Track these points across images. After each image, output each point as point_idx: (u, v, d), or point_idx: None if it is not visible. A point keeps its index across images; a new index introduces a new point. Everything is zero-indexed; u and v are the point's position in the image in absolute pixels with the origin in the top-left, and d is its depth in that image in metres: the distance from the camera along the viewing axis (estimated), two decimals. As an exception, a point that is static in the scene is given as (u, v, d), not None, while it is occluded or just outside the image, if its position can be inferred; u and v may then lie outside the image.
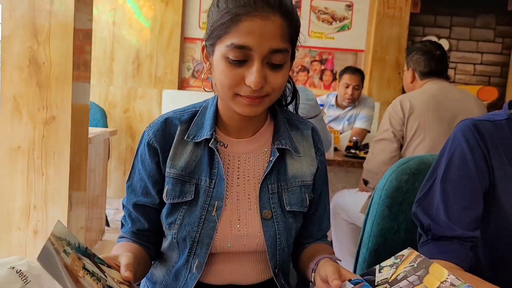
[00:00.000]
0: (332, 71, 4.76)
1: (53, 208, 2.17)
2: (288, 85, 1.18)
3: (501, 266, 1.02)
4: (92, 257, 0.79)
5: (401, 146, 2.50)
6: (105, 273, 0.78)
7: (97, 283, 0.72)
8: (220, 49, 0.95)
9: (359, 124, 3.90)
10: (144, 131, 1.10)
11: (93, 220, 3.32)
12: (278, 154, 1.07)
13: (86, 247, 0.78)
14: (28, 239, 2.18)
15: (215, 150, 1.04)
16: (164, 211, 1.07)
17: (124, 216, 1.14)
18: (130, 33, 4.56)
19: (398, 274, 0.86)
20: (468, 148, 1.01)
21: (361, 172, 2.75)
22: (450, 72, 4.80)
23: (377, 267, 0.93)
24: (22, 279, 0.73)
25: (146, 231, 1.12)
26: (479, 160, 0.99)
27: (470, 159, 1.00)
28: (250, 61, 0.93)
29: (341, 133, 3.61)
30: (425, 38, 4.67)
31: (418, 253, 0.89)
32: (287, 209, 1.08)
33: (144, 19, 4.55)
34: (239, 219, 1.06)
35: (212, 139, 1.04)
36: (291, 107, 1.22)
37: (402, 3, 4.55)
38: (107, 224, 3.84)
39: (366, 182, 2.68)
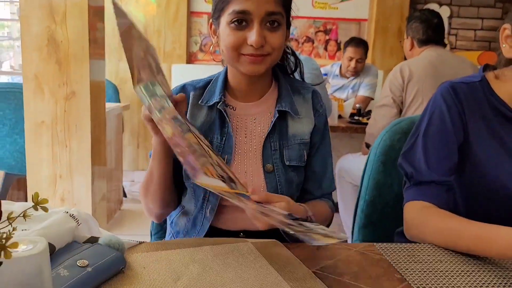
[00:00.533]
0: (336, 41, 4.84)
1: (78, 177, 2.35)
2: (292, 58, 1.32)
3: (477, 210, 1.17)
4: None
5: (400, 111, 2.66)
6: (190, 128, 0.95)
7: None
8: (224, 19, 1.11)
9: (362, 92, 4.01)
10: None
11: (111, 192, 3.50)
12: (278, 115, 1.21)
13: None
14: (56, 207, 2.34)
15: (223, 111, 1.19)
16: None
17: None
18: (137, 9, 4.63)
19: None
20: (446, 108, 1.15)
21: (364, 137, 2.91)
22: (451, 39, 4.87)
23: None
24: (75, 220, 0.89)
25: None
26: (455, 118, 1.14)
27: (447, 117, 1.15)
28: (251, 24, 1.09)
29: (345, 101, 3.74)
30: (426, 6, 4.73)
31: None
32: (287, 163, 1.22)
33: (151, -5, 4.62)
34: (245, 172, 1.20)
35: (221, 102, 1.19)
36: (297, 76, 1.35)
37: (404, -29, 4.62)
38: (125, 195, 4.03)
39: (368, 146, 2.83)
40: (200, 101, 1.22)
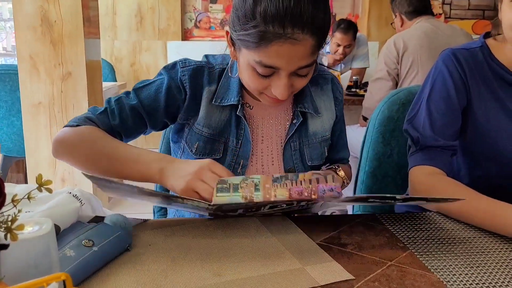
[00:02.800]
0: (331, 13, 4.79)
1: (77, 157, 2.34)
2: None
3: (478, 172, 1.20)
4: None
5: (396, 84, 2.66)
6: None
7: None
8: (248, 56, 0.96)
9: (356, 64, 3.99)
10: (176, 64, 1.11)
11: (110, 170, 3.49)
12: (301, 118, 1.14)
13: None
14: (57, 187, 2.36)
15: (242, 116, 1.10)
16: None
17: (112, 107, 1.09)
18: (131, -13, 4.59)
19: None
20: (448, 73, 1.17)
21: (361, 109, 2.91)
22: (445, 8, 4.82)
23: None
24: (78, 200, 0.89)
25: (120, 136, 1.11)
26: (458, 83, 1.15)
27: (450, 83, 1.16)
28: (277, 74, 0.96)
29: (341, 74, 3.73)
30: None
31: None
32: (309, 164, 1.17)
33: (143, -29, 4.56)
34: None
35: (239, 106, 1.09)
36: None
37: None
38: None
39: (365, 119, 2.84)
40: (213, 100, 1.10)
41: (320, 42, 0.95)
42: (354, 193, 1.54)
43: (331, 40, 3.91)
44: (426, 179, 1.12)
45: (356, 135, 2.88)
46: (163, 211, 1.45)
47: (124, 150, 1.01)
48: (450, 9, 4.82)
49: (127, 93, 1.11)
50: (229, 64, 1.13)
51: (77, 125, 1.05)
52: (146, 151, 1.00)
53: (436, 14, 4.77)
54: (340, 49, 3.85)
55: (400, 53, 2.60)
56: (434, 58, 2.50)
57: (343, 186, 1.20)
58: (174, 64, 1.12)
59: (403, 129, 1.25)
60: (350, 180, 1.29)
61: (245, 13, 0.92)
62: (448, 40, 2.54)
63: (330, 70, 1.41)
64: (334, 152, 1.28)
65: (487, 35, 1.23)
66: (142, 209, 1.87)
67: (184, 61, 1.12)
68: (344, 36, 3.80)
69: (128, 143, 1.09)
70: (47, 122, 2.31)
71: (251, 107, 1.14)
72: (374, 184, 1.49)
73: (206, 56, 1.17)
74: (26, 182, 3.02)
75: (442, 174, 1.13)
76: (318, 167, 1.22)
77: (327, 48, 4.03)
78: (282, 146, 1.15)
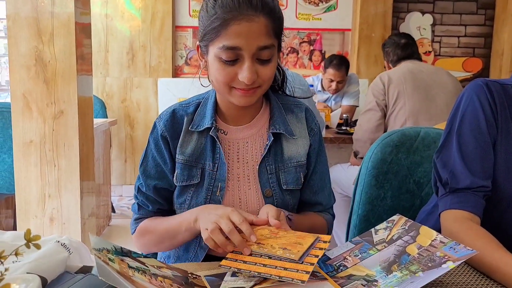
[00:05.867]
0: (320, 51, 4.86)
1: (66, 196, 2.32)
2: (277, 72, 1.26)
3: (495, 214, 1.15)
4: (129, 254, 0.87)
5: (385, 115, 2.74)
6: (145, 264, 0.86)
7: (144, 275, 0.82)
8: (213, 50, 1.07)
9: (347, 102, 4.03)
10: (155, 123, 1.22)
11: (100, 207, 3.47)
12: (273, 138, 1.18)
13: (121, 247, 0.86)
14: (45, 226, 2.32)
15: (215, 137, 1.16)
16: (175, 192, 1.21)
17: (140, 199, 1.24)
18: (123, 25, 4.63)
19: (393, 235, 0.99)
20: (480, 105, 1.12)
21: (352, 148, 2.93)
22: (435, 46, 4.91)
23: (372, 230, 1.05)
24: (66, 249, 0.87)
25: (165, 210, 1.26)
26: (489, 116, 1.12)
27: (481, 115, 1.12)
28: (241, 59, 1.05)
29: (331, 112, 3.76)
30: (408, 15, 4.79)
31: (407, 218, 1.03)
32: (284, 187, 1.20)
33: (135, 9, 4.62)
34: (240, 198, 1.18)
35: (213, 128, 1.16)
36: (287, 92, 1.32)
37: (386, -20, 4.67)
38: (113, 210, 3.99)
39: (356, 154, 2.88)
40: (190, 126, 1.19)
41: (274, 25, 1.07)
42: (347, 236, 1.53)
43: (323, 76, 3.96)
44: (452, 225, 1.09)
45: (347, 174, 2.89)
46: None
47: (170, 225, 1.17)
48: (440, 47, 4.90)
49: (138, 177, 1.25)
50: (205, 96, 1.23)
51: (135, 229, 1.25)
52: (183, 215, 1.15)
53: (426, 51, 4.85)
54: (333, 85, 3.91)
55: (386, 86, 2.73)
56: (419, 90, 2.67)
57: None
58: (153, 125, 1.23)
59: (432, 161, 1.21)
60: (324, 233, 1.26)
61: (207, 13, 1.07)
62: (432, 76, 2.73)
63: (321, 107, 1.43)
64: (310, 192, 1.27)
65: None
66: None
67: (159, 117, 1.22)
68: (337, 72, 3.86)
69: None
70: (37, 160, 2.29)
71: (225, 133, 1.20)
72: (367, 228, 1.47)
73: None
74: (15, 218, 2.98)
75: (470, 219, 1.08)
76: (294, 192, 1.23)
77: (318, 86, 4.08)
78: (257, 169, 1.18)
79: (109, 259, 0.79)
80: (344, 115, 3.60)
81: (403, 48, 2.91)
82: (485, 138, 1.11)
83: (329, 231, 1.32)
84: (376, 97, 2.75)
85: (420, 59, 2.94)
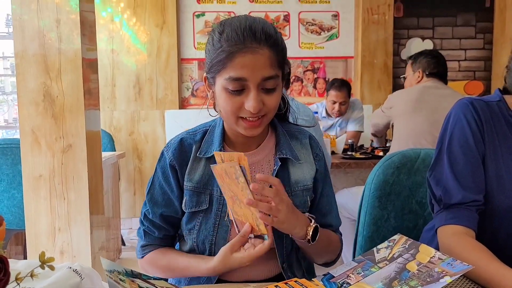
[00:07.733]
0: (324, 78, 4.93)
1: (76, 229, 2.35)
2: (281, 101, 1.30)
3: (484, 228, 1.18)
4: (139, 276, 0.89)
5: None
6: (156, 285, 0.88)
7: None
8: (220, 81, 1.11)
9: (351, 127, 4.06)
10: (163, 152, 1.26)
11: (110, 241, 3.48)
12: (280, 163, 1.22)
13: (131, 270, 0.88)
14: (56, 260, 2.33)
15: None
16: (184, 219, 1.24)
17: (146, 225, 1.29)
18: (129, 59, 4.72)
19: (394, 253, 1.03)
20: (466, 122, 1.18)
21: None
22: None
23: (374, 249, 1.09)
24: (78, 275, 0.90)
25: (171, 235, 1.30)
26: (476, 132, 1.16)
27: (468, 131, 1.17)
28: (247, 90, 1.10)
29: (336, 137, 3.79)
30: (409, 41, 4.86)
31: (407, 237, 1.07)
32: None
33: (141, 44, 4.71)
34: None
35: None
36: (291, 120, 1.37)
37: (386, 8, 4.75)
38: (123, 243, 4.01)
39: (375, 135, 3.36)
40: (198, 153, 1.23)
41: (277, 56, 1.11)
42: (353, 257, 1.55)
43: (326, 99, 4.02)
44: (447, 240, 1.12)
45: (354, 199, 2.91)
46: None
47: (188, 264, 1.22)
48: (441, 72, 4.96)
49: (144, 203, 1.29)
50: (211, 124, 1.28)
51: (142, 256, 1.30)
52: (200, 259, 1.21)
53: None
54: (336, 106, 3.96)
55: (392, 101, 2.96)
56: (422, 111, 2.76)
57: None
58: (161, 154, 1.27)
59: (425, 178, 1.26)
60: (336, 253, 1.34)
61: (214, 46, 1.11)
62: (438, 98, 2.76)
63: (325, 134, 1.47)
64: (319, 214, 1.29)
65: (505, 90, 1.25)
66: None
67: (167, 146, 1.26)
68: (338, 93, 3.93)
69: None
70: (47, 194, 2.33)
71: None
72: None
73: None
74: (25, 254, 3.00)
75: (465, 233, 1.12)
76: None
77: (323, 112, 4.13)
78: None
79: (120, 279, 0.82)
80: (349, 141, 3.63)
81: (444, 66, 2.94)
82: (474, 154, 1.16)
83: (341, 249, 1.36)
84: (384, 106, 3.01)
85: (446, 82, 2.97)
